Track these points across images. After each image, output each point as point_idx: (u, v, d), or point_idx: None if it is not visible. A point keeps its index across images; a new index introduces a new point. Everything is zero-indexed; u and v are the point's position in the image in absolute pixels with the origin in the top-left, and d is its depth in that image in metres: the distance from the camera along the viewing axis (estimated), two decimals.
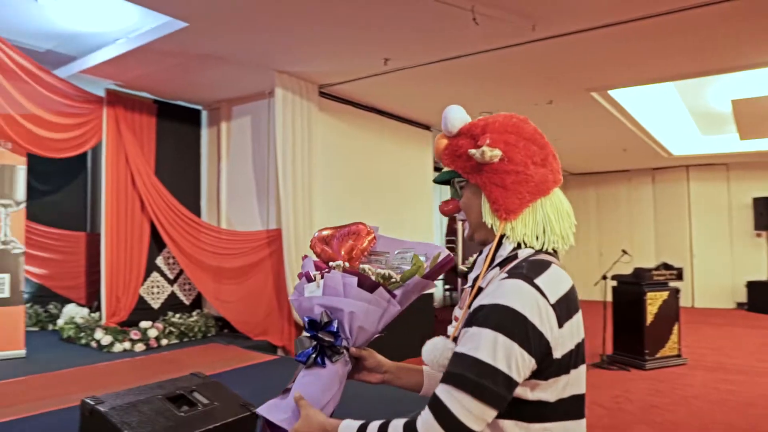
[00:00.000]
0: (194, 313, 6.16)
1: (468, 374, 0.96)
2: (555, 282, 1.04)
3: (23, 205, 5.22)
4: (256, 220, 6.17)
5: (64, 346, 5.64)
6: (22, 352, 5.13)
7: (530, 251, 1.11)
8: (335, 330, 1.25)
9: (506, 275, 1.04)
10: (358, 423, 1.11)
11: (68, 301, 6.68)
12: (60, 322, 5.97)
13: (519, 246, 1.13)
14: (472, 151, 1.13)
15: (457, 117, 1.20)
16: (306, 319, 1.28)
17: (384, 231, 1.47)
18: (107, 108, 5.69)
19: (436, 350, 1.11)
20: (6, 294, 5.12)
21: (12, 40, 4.94)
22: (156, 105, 6.14)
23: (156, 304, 6.07)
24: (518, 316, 0.97)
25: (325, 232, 1.42)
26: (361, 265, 1.32)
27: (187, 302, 6.37)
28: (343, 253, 1.36)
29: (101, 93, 5.69)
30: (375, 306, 1.26)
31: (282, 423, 1.18)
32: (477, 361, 0.96)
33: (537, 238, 1.12)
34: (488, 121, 1.17)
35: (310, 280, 1.31)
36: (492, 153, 1.11)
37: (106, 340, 5.37)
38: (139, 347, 5.42)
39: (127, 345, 5.40)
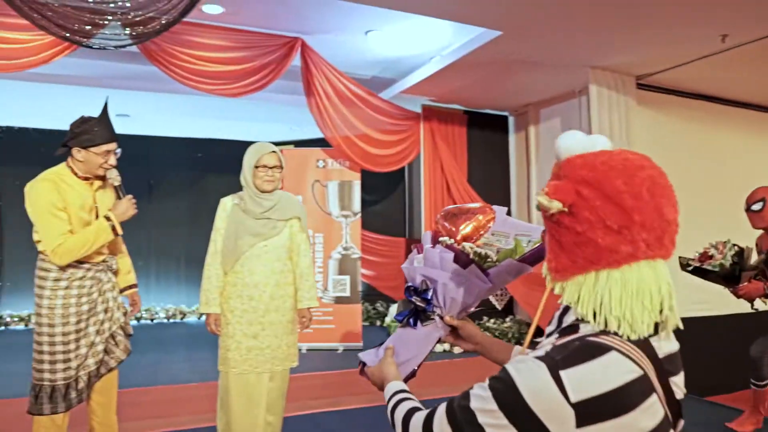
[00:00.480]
0: (507, 319, 6.18)
1: (458, 414, 0.97)
2: (595, 377, 0.86)
3: (359, 216, 5.93)
4: None
5: None
6: (359, 344, 5.82)
7: (592, 329, 0.93)
8: (428, 298, 1.42)
9: (543, 352, 0.91)
10: (400, 388, 1.21)
11: (392, 300, 7.40)
12: (387, 319, 6.61)
13: (581, 319, 0.95)
14: (537, 194, 0.96)
15: (562, 146, 0.99)
16: (409, 285, 1.46)
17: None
18: (423, 122, 6.10)
19: (515, 352, 1.34)
20: (347, 293, 5.87)
21: (345, 71, 5.65)
22: (466, 115, 6.36)
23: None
24: (516, 391, 0.89)
25: (450, 207, 1.58)
26: (464, 243, 1.42)
27: (499, 307, 6.44)
28: (461, 229, 1.48)
29: (418, 109, 6.13)
30: (466, 281, 1.37)
31: (368, 363, 1.44)
32: (467, 408, 0.95)
33: (594, 314, 0.92)
34: (576, 162, 0.95)
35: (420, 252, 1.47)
36: (550, 204, 0.92)
37: None
38: (458, 349, 5.65)
39: (446, 346, 5.68)
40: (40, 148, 7.50)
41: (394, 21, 4.79)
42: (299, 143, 7.18)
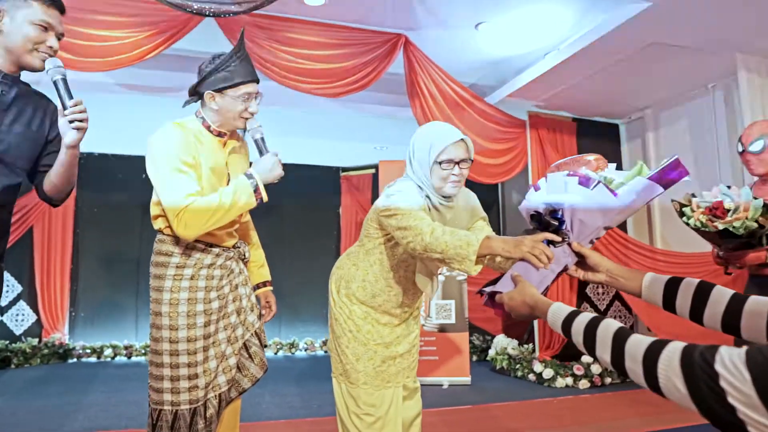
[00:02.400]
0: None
1: (696, 367, 0.86)
2: None
3: None
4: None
5: (500, 378, 5.49)
6: (467, 379, 5.12)
7: None
8: (560, 216, 1.44)
9: None
10: (569, 309, 1.18)
11: (487, 333, 6.69)
12: (491, 352, 5.90)
13: None
14: None
15: None
16: (531, 213, 1.51)
17: None
18: (530, 130, 5.54)
19: (648, 280, 1.33)
20: (452, 320, 5.22)
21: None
22: (575, 123, 5.77)
23: None
24: None
25: (559, 161, 1.56)
26: (584, 169, 1.44)
27: None
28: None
29: (523, 116, 5.58)
30: (593, 201, 1.37)
31: (500, 289, 1.43)
32: (711, 367, 0.84)
33: None
34: None
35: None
36: None
37: (547, 373, 4.99)
38: (583, 384, 4.88)
39: (569, 380, 4.92)
40: (118, 174, 7.36)
41: (510, 10, 4.32)
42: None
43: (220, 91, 1.97)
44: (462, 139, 1.88)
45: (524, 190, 5.57)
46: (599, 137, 5.88)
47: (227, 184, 2.01)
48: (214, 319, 1.99)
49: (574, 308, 1.18)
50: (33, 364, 6.29)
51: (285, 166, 2.09)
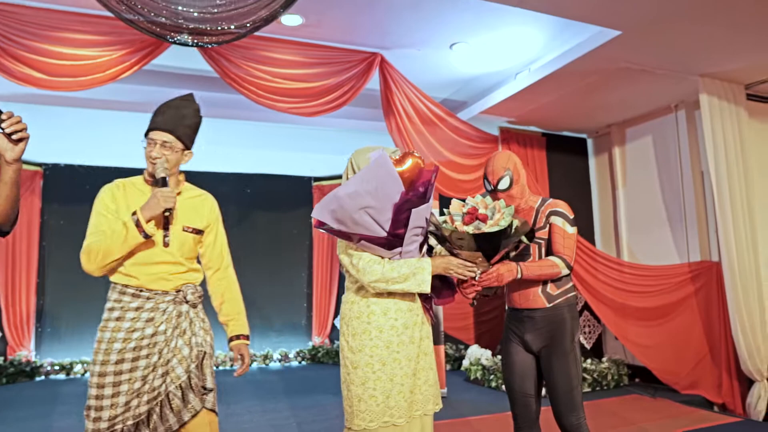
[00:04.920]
0: (604, 359, 5.56)
1: None
2: None
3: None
4: (668, 252, 5.36)
5: (475, 388, 5.60)
6: (443, 391, 5.21)
7: None
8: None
9: None
10: None
11: (461, 342, 6.81)
12: (465, 362, 6.01)
13: None
14: None
15: None
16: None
17: None
18: (502, 145, 5.65)
19: None
20: None
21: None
22: (545, 138, 5.92)
23: None
24: None
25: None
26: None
27: (588, 346, 5.82)
28: None
29: (494, 132, 5.70)
30: None
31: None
32: None
33: None
34: None
35: None
36: None
37: None
38: None
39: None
40: (86, 186, 7.18)
41: (483, 32, 4.42)
42: None
43: (145, 139, 2.21)
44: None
45: None
46: (567, 151, 6.04)
47: (164, 227, 2.15)
48: (129, 357, 2.05)
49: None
50: None
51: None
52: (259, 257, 7.63)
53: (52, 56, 3.92)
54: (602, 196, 6.13)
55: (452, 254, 2.19)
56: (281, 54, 4.42)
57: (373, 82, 4.78)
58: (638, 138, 5.71)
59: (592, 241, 5.89)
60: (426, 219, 2.11)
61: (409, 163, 2.09)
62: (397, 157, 2.11)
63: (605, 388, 5.32)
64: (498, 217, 2.11)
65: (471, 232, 2.11)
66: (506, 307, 2.61)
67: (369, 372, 2.10)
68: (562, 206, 2.47)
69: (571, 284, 2.50)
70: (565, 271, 2.36)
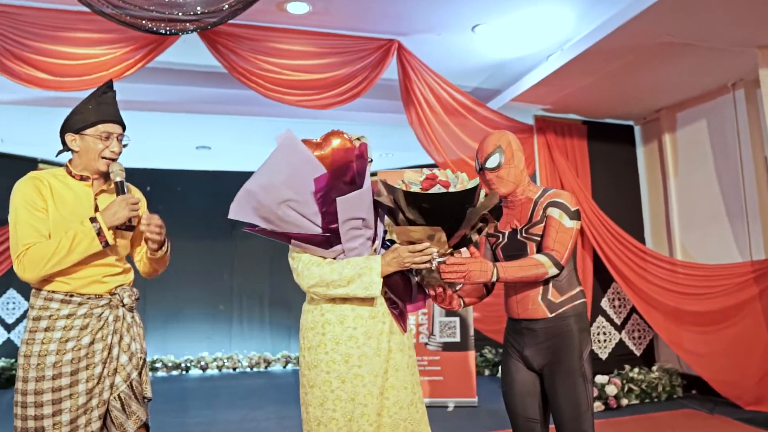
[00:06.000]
0: (654, 368, 5.04)
1: None
2: None
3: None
4: (728, 250, 4.79)
5: None
6: (473, 400, 4.86)
7: None
8: None
9: None
10: None
11: (494, 342, 6.42)
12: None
13: None
14: None
15: None
16: None
17: None
18: (537, 135, 5.23)
19: None
20: (457, 338, 4.96)
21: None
22: (585, 126, 5.44)
23: (603, 354, 5.18)
24: None
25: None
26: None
27: (637, 353, 5.30)
28: None
29: (529, 121, 5.28)
30: None
31: None
32: None
33: None
34: None
35: None
36: None
37: None
38: (597, 406, 4.57)
39: None
40: None
41: (507, 11, 4.05)
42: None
43: (79, 132, 1.96)
44: None
45: None
46: (612, 140, 5.53)
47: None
48: (67, 371, 1.85)
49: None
50: None
51: None
52: (285, 257, 7.49)
53: (56, 56, 3.86)
54: (652, 189, 5.58)
55: (404, 241, 1.80)
56: (290, 45, 4.21)
57: (391, 71, 4.49)
58: (691, 123, 5.14)
59: (642, 239, 5.36)
60: (368, 209, 1.80)
61: (333, 144, 1.78)
62: (320, 141, 1.81)
63: (655, 400, 4.82)
64: (461, 188, 1.74)
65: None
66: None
67: (327, 391, 1.82)
68: (563, 197, 2.11)
69: (579, 289, 2.13)
70: (553, 271, 1.99)
